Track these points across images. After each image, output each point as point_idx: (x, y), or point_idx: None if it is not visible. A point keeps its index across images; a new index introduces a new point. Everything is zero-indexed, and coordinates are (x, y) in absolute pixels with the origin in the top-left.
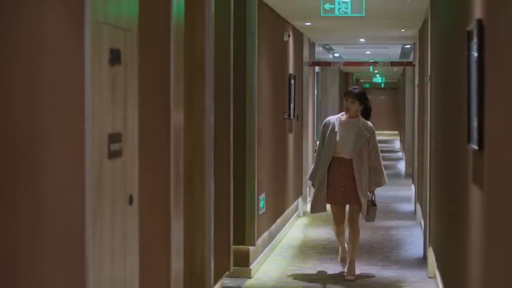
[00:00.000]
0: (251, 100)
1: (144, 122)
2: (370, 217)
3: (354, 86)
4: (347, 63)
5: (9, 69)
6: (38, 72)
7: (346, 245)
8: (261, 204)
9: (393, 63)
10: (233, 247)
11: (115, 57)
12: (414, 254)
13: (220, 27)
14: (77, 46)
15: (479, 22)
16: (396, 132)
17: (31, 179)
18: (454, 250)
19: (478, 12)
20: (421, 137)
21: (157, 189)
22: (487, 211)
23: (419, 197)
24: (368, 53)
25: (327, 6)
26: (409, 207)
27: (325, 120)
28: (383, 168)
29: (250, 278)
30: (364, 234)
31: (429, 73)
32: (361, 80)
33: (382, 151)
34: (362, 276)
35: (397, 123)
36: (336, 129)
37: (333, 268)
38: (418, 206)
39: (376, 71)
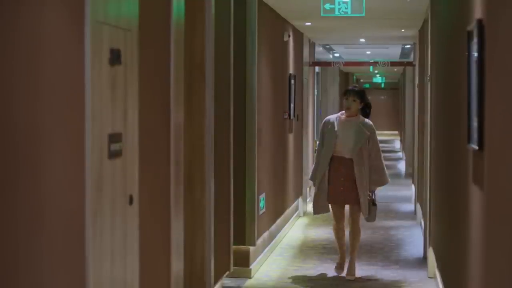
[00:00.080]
0: (251, 100)
1: (144, 122)
2: (370, 217)
3: (353, 85)
4: (347, 63)
5: (9, 69)
6: (38, 72)
7: (345, 248)
8: (261, 204)
9: (393, 63)
10: (233, 247)
11: (115, 57)
12: (414, 254)
13: (220, 27)
14: (77, 46)
15: (479, 22)
16: (396, 132)
17: (31, 179)
18: (454, 250)
19: (478, 12)
20: (421, 137)
21: (157, 189)
22: (487, 211)
23: (419, 197)
24: (368, 53)
25: (327, 6)
26: (409, 207)
27: (325, 119)
28: (385, 167)
29: (250, 278)
30: (364, 234)
31: (429, 73)
32: (361, 80)
33: (383, 151)
34: (362, 276)
35: (397, 123)
36: (335, 129)
37: (333, 268)
38: (418, 206)
39: (376, 71)
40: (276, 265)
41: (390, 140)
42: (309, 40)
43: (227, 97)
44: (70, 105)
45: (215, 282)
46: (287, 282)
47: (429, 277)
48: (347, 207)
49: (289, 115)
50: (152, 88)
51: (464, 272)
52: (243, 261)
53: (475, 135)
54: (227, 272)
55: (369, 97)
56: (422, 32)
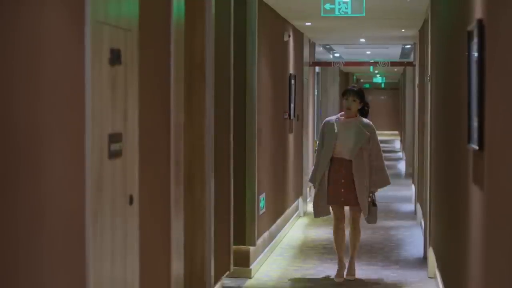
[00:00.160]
0: (251, 100)
1: (144, 122)
2: (371, 218)
3: (352, 85)
4: (347, 63)
5: (9, 69)
6: (38, 72)
7: (343, 253)
8: (261, 204)
9: (393, 63)
10: (233, 247)
11: (115, 57)
12: (414, 254)
13: (220, 27)
14: (77, 46)
15: (480, 22)
16: (397, 132)
17: (31, 179)
18: (454, 250)
19: (478, 12)
20: (421, 137)
21: (157, 189)
22: (487, 211)
23: (419, 197)
24: (368, 53)
25: (327, 6)
26: (409, 207)
27: (325, 120)
28: (386, 168)
29: (250, 278)
30: (365, 234)
31: (429, 73)
32: (361, 80)
33: (383, 151)
34: (362, 276)
35: (397, 123)
36: (335, 130)
37: (333, 268)
38: (418, 206)
39: (376, 71)
40: (276, 265)
41: (390, 140)
42: (309, 40)
43: (227, 97)
44: (70, 105)
45: (215, 282)
46: (287, 282)
47: (429, 277)
48: (347, 207)
49: (289, 115)
50: (152, 88)
51: (464, 272)
52: (243, 261)
53: (475, 135)
54: (227, 272)
55: (369, 97)
56: (422, 32)
